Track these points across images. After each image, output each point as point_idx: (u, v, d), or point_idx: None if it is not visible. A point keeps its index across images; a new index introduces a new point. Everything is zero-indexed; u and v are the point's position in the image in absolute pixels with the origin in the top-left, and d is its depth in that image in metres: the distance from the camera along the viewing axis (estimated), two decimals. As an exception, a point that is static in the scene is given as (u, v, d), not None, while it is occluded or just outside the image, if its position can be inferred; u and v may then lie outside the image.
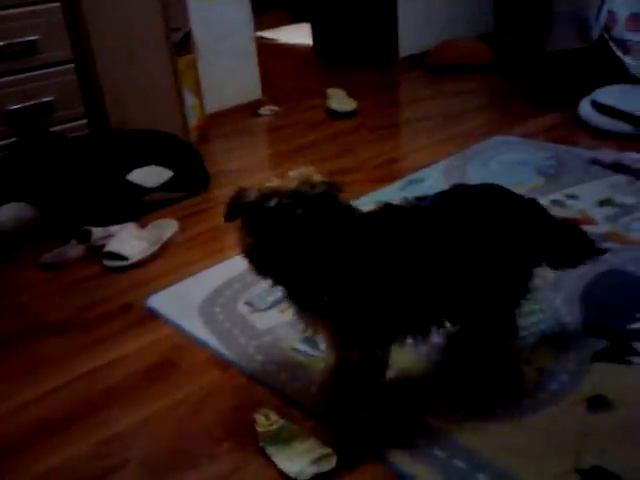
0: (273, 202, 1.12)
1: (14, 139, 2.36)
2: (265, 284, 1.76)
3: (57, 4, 2.42)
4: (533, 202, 1.40)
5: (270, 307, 1.77)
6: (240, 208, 1.18)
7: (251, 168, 2.88)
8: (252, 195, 1.16)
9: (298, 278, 1.18)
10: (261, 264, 1.18)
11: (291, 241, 1.12)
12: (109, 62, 2.59)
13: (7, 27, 2.31)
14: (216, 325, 1.73)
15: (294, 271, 1.16)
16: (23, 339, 1.78)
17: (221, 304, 1.82)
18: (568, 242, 1.46)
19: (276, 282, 1.22)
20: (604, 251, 1.55)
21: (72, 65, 2.50)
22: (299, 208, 1.12)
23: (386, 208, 1.29)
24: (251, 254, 1.17)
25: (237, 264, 1.98)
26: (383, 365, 1.33)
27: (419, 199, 1.33)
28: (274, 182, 1.16)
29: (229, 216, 1.20)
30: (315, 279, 1.18)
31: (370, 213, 1.28)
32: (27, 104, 2.40)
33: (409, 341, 1.33)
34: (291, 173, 1.17)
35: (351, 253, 1.18)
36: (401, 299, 1.24)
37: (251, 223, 1.16)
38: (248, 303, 1.80)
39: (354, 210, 1.23)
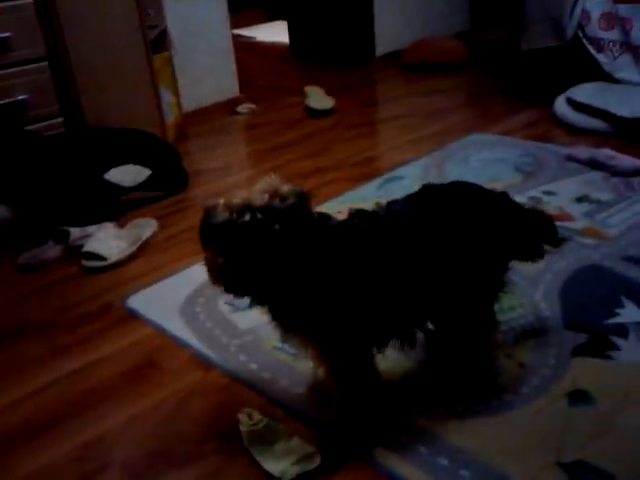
0: (246, 218, 1.08)
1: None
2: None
3: (30, 0, 2.38)
4: (503, 195, 1.41)
5: (251, 306, 1.75)
6: (213, 230, 1.12)
7: (229, 166, 2.87)
8: (222, 214, 1.10)
9: (280, 296, 1.16)
10: (236, 284, 1.14)
11: (270, 258, 1.09)
12: (84, 59, 2.56)
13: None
14: (197, 325, 1.72)
15: (276, 290, 1.14)
16: (2, 341, 1.75)
17: (202, 304, 1.81)
18: (537, 233, 1.46)
19: (256, 301, 1.20)
20: (561, 240, 1.54)
21: (46, 63, 2.47)
22: (274, 223, 1.08)
23: (360, 215, 1.27)
24: (223, 273, 1.13)
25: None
26: (374, 373, 1.32)
27: (391, 203, 1.32)
28: (242, 196, 1.11)
29: (206, 243, 1.14)
30: (298, 296, 1.15)
31: (345, 222, 1.25)
32: (0, 103, 2.36)
33: (393, 348, 1.32)
34: (258, 186, 1.13)
35: (333, 267, 1.15)
36: (386, 308, 1.23)
37: (222, 242, 1.11)
38: (229, 302, 1.79)
39: (329, 219, 1.20)
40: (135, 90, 2.79)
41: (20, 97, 2.40)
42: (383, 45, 4.35)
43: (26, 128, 2.40)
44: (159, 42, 3.00)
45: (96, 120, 2.61)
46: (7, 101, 2.38)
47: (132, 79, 2.77)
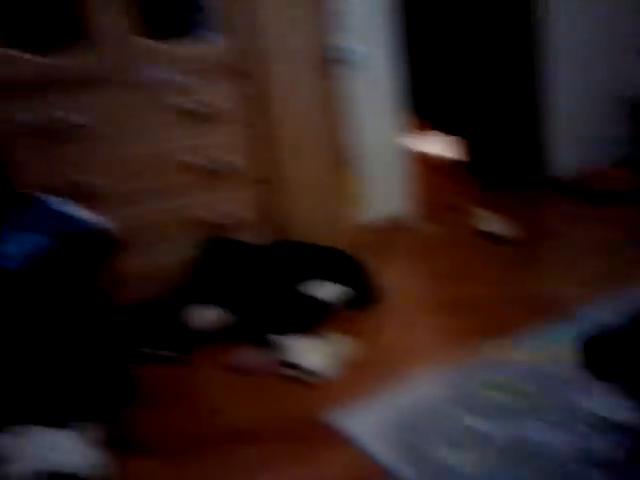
0: None
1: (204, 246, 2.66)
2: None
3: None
4: None
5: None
6: None
7: (409, 286, 2.94)
8: None
9: None
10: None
11: None
12: (292, 187, 2.90)
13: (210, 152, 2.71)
14: (412, 454, 1.70)
15: None
16: (219, 443, 1.89)
17: (416, 431, 1.81)
18: None
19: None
20: None
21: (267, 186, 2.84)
22: None
23: None
24: None
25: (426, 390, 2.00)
26: None
27: None
28: None
29: None
30: None
31: None
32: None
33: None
34: None
35: None
36: None
37: None
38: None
39: None
40: (320, 203, 3.04)
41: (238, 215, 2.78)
42: (552, 170, 4.37)
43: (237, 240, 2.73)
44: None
45: (282, 230, 2.88)
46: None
47: (319, 194, 3.03)
